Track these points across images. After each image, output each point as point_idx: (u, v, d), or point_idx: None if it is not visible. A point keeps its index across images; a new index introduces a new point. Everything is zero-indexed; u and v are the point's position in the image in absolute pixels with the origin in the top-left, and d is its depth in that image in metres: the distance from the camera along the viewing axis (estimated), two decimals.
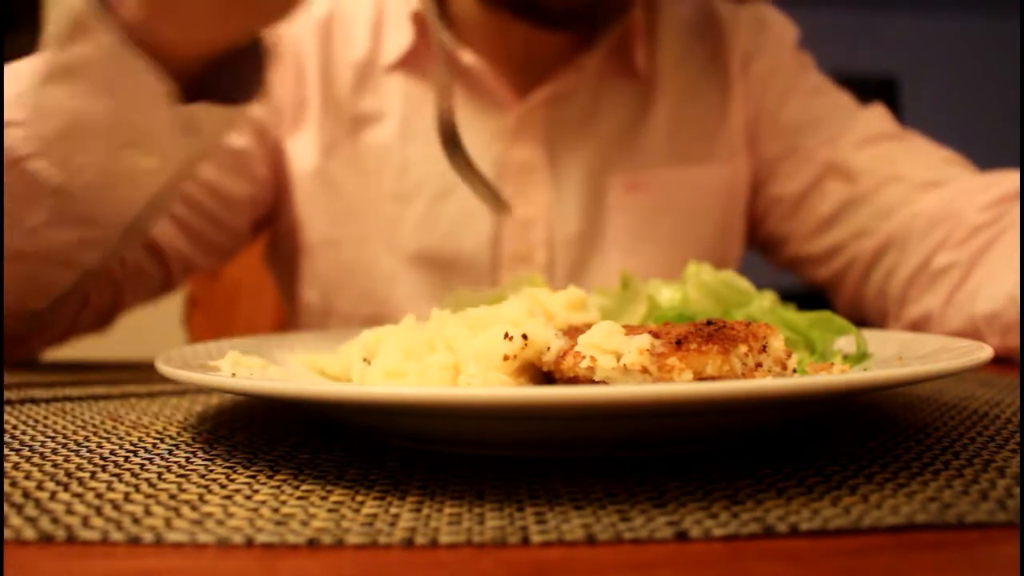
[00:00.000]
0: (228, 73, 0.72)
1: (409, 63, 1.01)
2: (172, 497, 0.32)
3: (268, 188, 1.02)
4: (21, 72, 0.67)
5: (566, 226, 1.00)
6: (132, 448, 0.40)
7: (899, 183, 0.95)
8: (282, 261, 1.08)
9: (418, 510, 0.30)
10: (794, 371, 0.39)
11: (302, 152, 1.01)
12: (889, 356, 0.50)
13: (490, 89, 1.00)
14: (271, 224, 1.07)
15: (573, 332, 0.41)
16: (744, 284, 0.57)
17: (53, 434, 0.44)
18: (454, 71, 1.01)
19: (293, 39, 1.02)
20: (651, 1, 1.07)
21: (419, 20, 1.00)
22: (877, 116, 1.03)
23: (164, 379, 0.42)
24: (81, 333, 0.89)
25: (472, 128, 1.00)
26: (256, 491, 0.33)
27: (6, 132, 0.65)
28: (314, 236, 1.02)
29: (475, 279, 0.97)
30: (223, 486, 0.34)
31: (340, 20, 1.04)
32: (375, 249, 1.00)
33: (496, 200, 0.71)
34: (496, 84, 0.99)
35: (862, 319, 1.00)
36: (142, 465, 0.37)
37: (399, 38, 1.01)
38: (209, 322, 1.50)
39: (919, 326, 0.90)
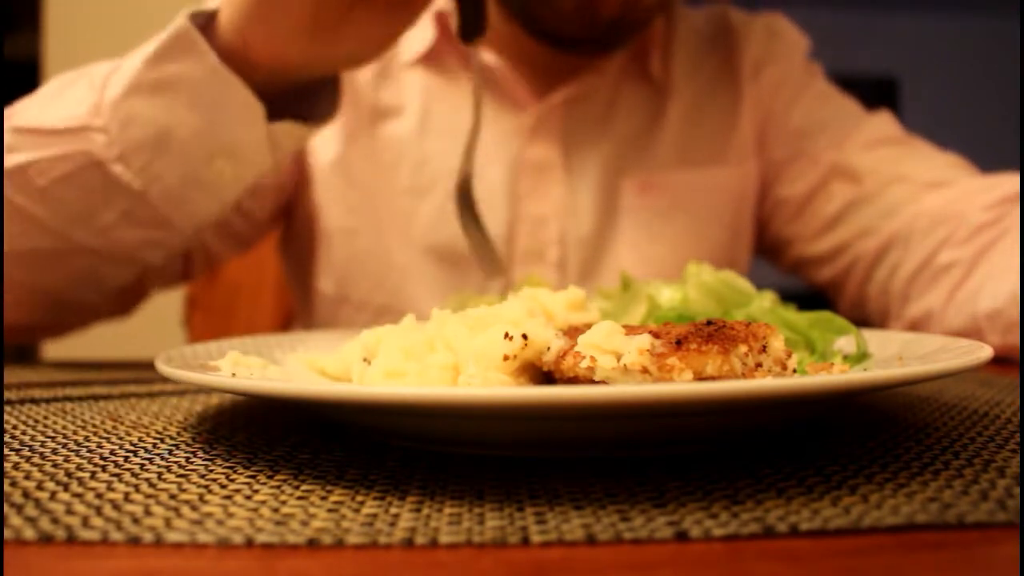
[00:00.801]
0: (300, 97, 0.76)
1: (430, 59, 1.03)
2: (172, 497, 0.32)
3: (291, 176, 1.04)
4: (98, 78, 0.70)
5: (579, 225, 1.02)
6: (132, 448, 0.40)
7: (903, 183, 0.96)
8: (297, 250, 1.09)
9: (418, 510, 0.30)
10: (794, 371, 0.39)
11: (323, 142, 1.03)
12: (889, 356, 0.50)
13: (509, 89, 1.01)
14: (289, 213, 1.08)
15: (573, 332, 0.41)
16: (744, 284, 0.57)
17: (53, 434, 0.44)
18: (484, 78, 1.02)
19: None
20: (668, 11, 1.08)
21: (442, 19, 1.01)
22: (883, 122, 1.05)
23: (164, 379, 0.42)
24: (104, 319, 0.90)
25: (491, 126, 1.01)
26: (256, 491, 0.33)
27: (89, 136, 0.69)
28: (331, 224, 1.03)
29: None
30: (223, 486, 0.34)
31: None
32: (390, 240, 1.01)
33: (493, 263, 0.73)
34: (515, 84, 1.01)
35: (865, 319, 1.01)
36: (142, 465, 0.37)
37: (421, 35, 1.02)
38: (209, 322, 1.50)
39: (921, 324, 0.90)
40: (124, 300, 0.90)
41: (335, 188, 1.02)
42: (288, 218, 1.09)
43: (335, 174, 1.02)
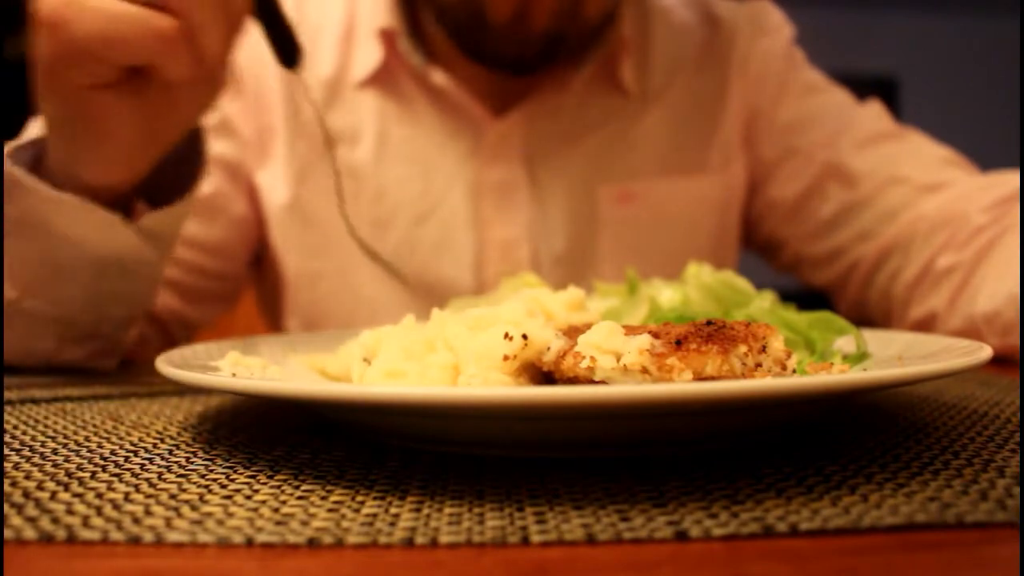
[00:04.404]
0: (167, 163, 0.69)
1: (380, 80, 0.97)
2: (172, 497, 0.32)
3: (252, 225, 1.00)
4: None
5: (553, 244, 0.98)
6: (132, 448, 0.40)
7: (901, 186, 0.95)
8: (266, 291, 1.06)
9: (418, 510, 0.30)
10: (794, 371, 0.39)
11: (273, 184, 0.98)
12: (890, 356, 0.50)
13: (463, 108, 0.97)
14: (258, 258, 1.05)
15: (573, 332, 0.41)
16: (744, 284, 0.57)
17: (53, 434, 0.44)
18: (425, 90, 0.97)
19: (251, 65, 0.97)
20: (642, 8, 1.04)
21: (388, 37, 0.96)
22: (874, 114, 1.03)
23: (164, 379, 0.42)
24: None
25: (445, 147, 0.97)
26: (256, 491, 0.33)
27: None
28: (292, 270, 0.99)
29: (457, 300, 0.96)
30: (223, 486, 0.34)
31: (304, 37, 1.00)
32: (358, 276, 0.98)
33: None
34: (469, 103, 0.96)
35: (866, 321, 1.00)
36: (142, 465, 0.37)
37: (368, 55, 0.97)
38: (209, 322, 1.50)
39: (923, 327, 0.90)
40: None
41: (292, 232, 0.98)
42: (257, 262, 1.06)
43: (290, 218, 0.98)
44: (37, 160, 0.64)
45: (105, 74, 0.56)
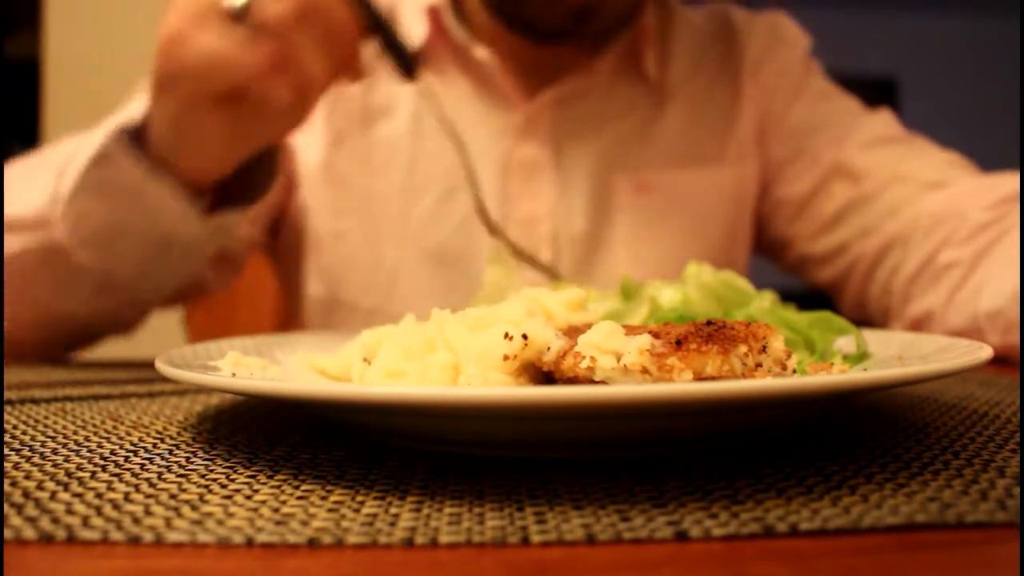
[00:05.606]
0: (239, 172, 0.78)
1: (423, 55, 1.01)
2: (172, 497, 0.32)
3: (284, 190, 1.03)
4: (59, 160, 0.76)
5: (572, 224, 1.01)
6: (132, 448, 0.40)
7: (904, 183, 0.97)
8: (286, 255, 1.09)
9: (418, 510, 0.30)
10: (794, 371, 0.39)
11: (308, 145, 1.02)
12: (890, 356, 0.50)
13: (499, 86, 1.01)
14: (278, 221, 1.08)
15: (573, 332, 0.41)
16: (744, 284, 0.57)
17: (53, 434, 0.44)
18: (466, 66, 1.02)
19: None
20: (665, 9, 1.08)
21: (434, 14, 1.01)
22: (883, 120, 1.05)
23: (164, 379, 0.42)
24: (103, 340, 0.92)
25: (479, 124, 1.01)
26: (256, 491, 0.33)
27: (50, 226, 0.74)
28: (320, 227, 1.02)
29: (480, 275, 0.98)
30: (223, 486, 0.34)
31: None
32: (382, 242, 1.01)
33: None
34: (506, 81, 1.01)
35: (866, 319, 1.01)
36: (142, 465, 0.37)
37: (413, 32, 1.02)
38: (209, 322, 1.50)
39: (921, 323, 0.90)
40: (121, 329, 0.90)
41: (323, 191, 1.02)
42: (277, 226, 1.09)
43: (322, 178, 1.02)
44: (138, 138, 0.72)
45: (205, 92, 0.65)
